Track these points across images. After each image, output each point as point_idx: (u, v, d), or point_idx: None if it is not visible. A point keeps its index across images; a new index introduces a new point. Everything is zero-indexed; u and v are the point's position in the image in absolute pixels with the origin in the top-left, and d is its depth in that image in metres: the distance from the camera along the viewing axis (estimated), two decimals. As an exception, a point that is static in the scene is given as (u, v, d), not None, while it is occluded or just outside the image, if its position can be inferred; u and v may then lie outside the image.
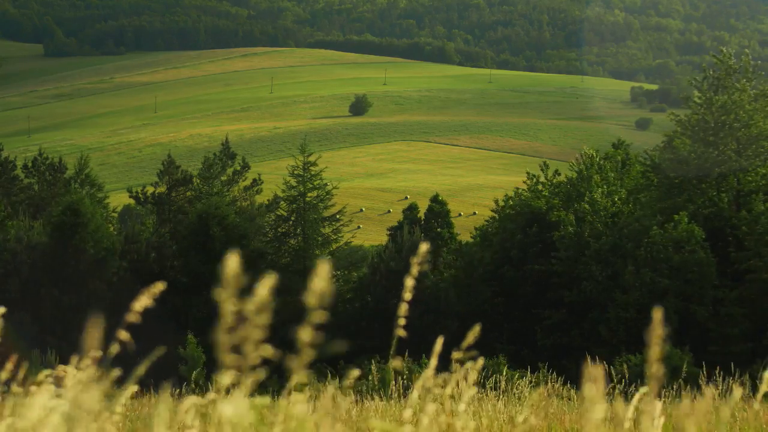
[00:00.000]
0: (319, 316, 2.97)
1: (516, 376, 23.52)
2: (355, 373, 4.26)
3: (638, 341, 56.90)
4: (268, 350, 3.01)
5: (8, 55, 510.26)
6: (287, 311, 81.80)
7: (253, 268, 71.61)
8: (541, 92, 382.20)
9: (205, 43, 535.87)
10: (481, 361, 4.40)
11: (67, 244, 68.96)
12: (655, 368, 3.06)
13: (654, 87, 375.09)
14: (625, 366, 25.58)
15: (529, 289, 68.84)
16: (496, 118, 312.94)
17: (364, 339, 65.98)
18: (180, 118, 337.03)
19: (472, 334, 4.00)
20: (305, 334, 2.94)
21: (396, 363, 3.70)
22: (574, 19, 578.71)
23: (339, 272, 75.08)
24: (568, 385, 21.22)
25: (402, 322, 3.57)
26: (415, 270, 3.53)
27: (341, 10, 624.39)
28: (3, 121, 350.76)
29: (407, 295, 3.49)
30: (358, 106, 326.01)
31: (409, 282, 3.54)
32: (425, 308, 68.64)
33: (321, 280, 2.93)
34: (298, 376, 2.95)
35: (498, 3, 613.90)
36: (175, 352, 56.43)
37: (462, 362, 3.95)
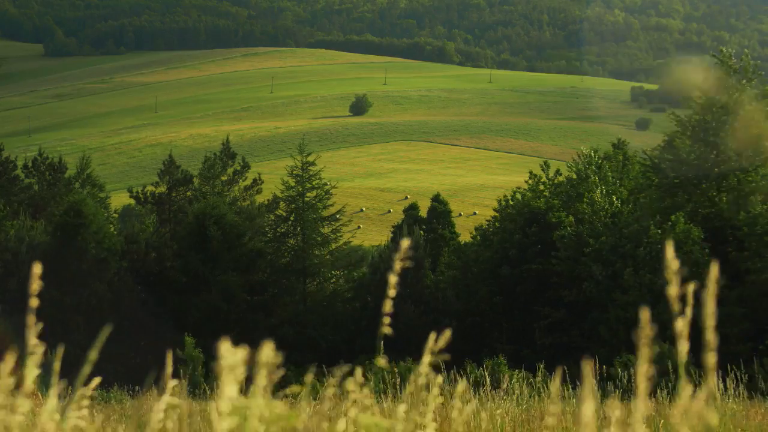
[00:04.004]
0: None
1: (515, 377, 23.51)
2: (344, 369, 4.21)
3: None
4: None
5: (8, 55, 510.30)
6: (287, 312, 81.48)
7: (252, 268, 71.03)
8: (541, 92, 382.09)
9: (205, 43, 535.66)
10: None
11: (69, 245, 68.91)
12: (645, 368, 3.05)
13: (654, 87, 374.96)
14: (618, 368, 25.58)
15: (529, 288, 68.84)
16: (497, 118, 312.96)
17: (364, 339, 66.02)
18: (180, 118, 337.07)
19: (443, 340, 3.89)
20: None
21: (381, 362, 3.63)
22: (574, 19, 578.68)
23: (339, 272, 75.17)
24: (568, 384, 21.19)
25: (387, 320, 3.52)
26: (397, 266, 3.48)
27: (341, 10, 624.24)
28: (3, 121, 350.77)
29: (391, 292, 3.45)
30: (358, 106, 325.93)
31: (393, 279, 3.49)
32: (425, 308, 68.69)
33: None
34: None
35: (498, 3, 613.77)
36: (175, 352, 56.38)
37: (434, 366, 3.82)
